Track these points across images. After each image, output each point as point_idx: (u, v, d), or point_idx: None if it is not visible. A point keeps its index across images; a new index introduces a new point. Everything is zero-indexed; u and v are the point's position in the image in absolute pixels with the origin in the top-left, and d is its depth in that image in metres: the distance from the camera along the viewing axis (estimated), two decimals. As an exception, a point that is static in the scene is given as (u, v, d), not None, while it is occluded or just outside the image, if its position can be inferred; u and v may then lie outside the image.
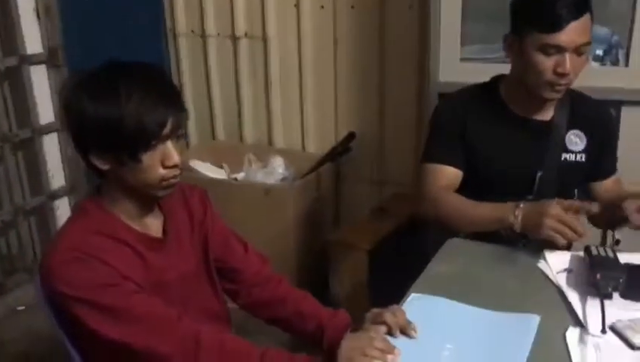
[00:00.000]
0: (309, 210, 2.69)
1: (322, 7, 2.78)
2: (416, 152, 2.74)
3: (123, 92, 1.14)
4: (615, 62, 2.03)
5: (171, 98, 1.19)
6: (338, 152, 2.79)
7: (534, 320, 1.20)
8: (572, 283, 1.34)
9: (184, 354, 1.15)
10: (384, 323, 1.18)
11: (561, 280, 1.36)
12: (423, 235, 2.61)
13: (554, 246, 1.41)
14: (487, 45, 2.23)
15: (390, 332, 1.17)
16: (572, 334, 1.16)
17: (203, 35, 3.08)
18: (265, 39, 2.92)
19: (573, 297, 1.28)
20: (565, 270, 1.39)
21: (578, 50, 1.46)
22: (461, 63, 2.16)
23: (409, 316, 1.21)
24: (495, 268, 1.45)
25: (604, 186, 1.70)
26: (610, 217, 1.51)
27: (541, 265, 1.43)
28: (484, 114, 1.66)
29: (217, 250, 1.41)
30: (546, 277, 1.39)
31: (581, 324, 1.19)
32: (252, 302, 1.42)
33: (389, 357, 1.10)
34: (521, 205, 1.44)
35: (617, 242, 2.11)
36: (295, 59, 2.90)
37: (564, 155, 1.63)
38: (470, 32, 2.17)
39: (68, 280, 1.15)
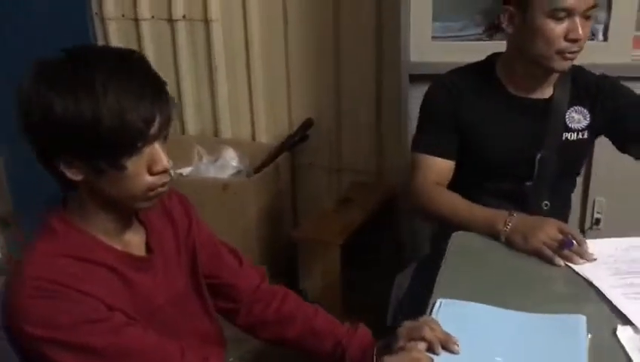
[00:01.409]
0: (270, 203, 2.51)
1: (270, -15, 2.58)
2: (377, 136, 2.63)
3: (99, 83, 0.92)
4: (590, 38, 1.96)
5: (158, 89, 0.98)
6: (295, 141, 2.61)
7: (581, 320, 1.09)
8: (600, 274, 1.24)
9: None
10: (423, 339, 1.03)
11: (588, 272, 1.26)
12: (397, 226, 2.52)
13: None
14: (459, 22, 2.12)
15: (431, 349, 1.03)
16: (624, 333, 1.06)
17: (135, 19, 2.79)
18: (207, 21, 2.68)
19: (609, 291, 1.18)
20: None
21: (586, 13, 1.38)
22: (433, 42, 2.03)
23: (443, 326, 1.07)
24: (513, 263, 1.33)
25: None
26: None
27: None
28: (479, 95, 1.55)
29: (207, 264, 1.22)
30: (569, 268, 1.29)
31: (629, 322, 1.09)
32: (254, 321, 1.24)
33: (439, 379, 0.96)
34: (515, 215, 1.38)
35: (597, 221, 2.09)
36: (241, 42, 2.68)
37: (566, 135, 1.54)
38: (440, 7, 2.04)
39: (41, 319, 0.93)
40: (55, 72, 0.94)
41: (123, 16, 2.82)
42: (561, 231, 1.32)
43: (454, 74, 1.61)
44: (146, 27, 2.79)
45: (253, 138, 2.82)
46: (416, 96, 2.08)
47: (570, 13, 1.37)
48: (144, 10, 2.76)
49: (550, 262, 1.30)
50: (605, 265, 1.28)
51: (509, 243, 1.37)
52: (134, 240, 1.11)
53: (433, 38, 2.03)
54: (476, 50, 1.93)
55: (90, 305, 0.96)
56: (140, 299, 1.06)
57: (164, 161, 1.00)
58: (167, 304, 1.12)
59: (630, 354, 1.01)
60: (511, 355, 1.02)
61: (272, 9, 2.61)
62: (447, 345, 1.03)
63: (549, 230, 1.32)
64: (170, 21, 2.74)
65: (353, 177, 2.72)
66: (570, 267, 1.29)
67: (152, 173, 0.99)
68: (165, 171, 1.01)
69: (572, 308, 1.14)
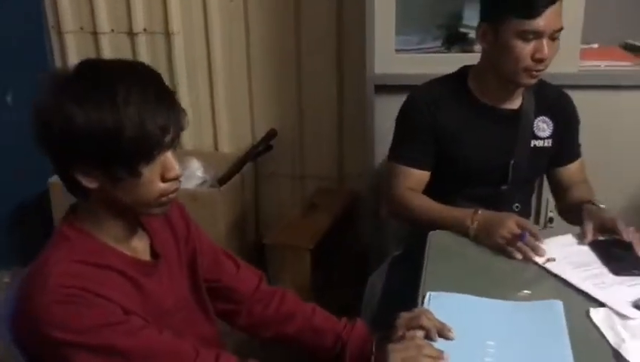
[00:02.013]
0: (237, 213, 2.55)
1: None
2: (338, 144, 2.72)
3: (120, 95, 0.97)
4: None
5: (171, 99, 1.04)
6: (259, 151, 2.67)
7: (558, 305, 1.21)
8: (566, 269, 1.35)
9: None
10: (421, 327, 1.12)
11: (556, 269, 1.36)
12: (361, 229, 2.61)
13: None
14: (417, 36, 2.23)
15: (428, 336, 1.11)
16: (597, 315, 1.18)
17: (94, 32, 2.79)
18: (168, 34, 2.71)
19: (581, 284, 1.29)
20: (548, 260, 1.40)
21: (553, 36, 1.50)
22: (396, 54, 2.14)
23: (435, 316, 1.16)
24: (489, 258, 1.44)
25: (570, 171, 1.74)
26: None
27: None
28: (455, 106, 1.65)
29: (207, 269, 1.27)
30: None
31: (601, 304, 1.22)
32: (255, 321, 1.29)
33: (441, 362, 1.05)
34: (480, 212, 1.50)
35: (551, 220, 2.24)
36: (203, 54, 2.73)
37: (534, 142, 1.67)
38: (399, 22, 2.15)
39: (64, 323, 0.96)
40: (75, 85, 0.98)
41: (81, 29, 2.81)
42: (520, 226, 1.43)
43: (429, 86, 1.70)
44: (105, 41, 2.79)
45: (216, 148, 2.86)
46: (379, 106, 2.19)
47: (538, 35, 1.48)
48: (103, 23, 2.76)
49: (509, 255, 1.41)
50: (565, 260, 1.39)
51: (477, 240, 1.48)
52: (140, 246, 1.15)
53: (396, 50, 2.13)
54: (436, 62, 2.06)
55: (110, 308, 0.99)
56: (150, 303, 1.10)
57: (176, 168, 1.05)
58: (173, 308, 1.16)
59: (605, 333, 1.13)
60: (501, 339, 1.12)
61: (233, 21, 2.67)
62: (442, 332, 1.12)
63: (509, 225, 1.43)
64: (131, 34, 2.75)
65: (315, 184, 2.80)
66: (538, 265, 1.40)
67: (164, 180, 1.04)
68: (177, 178, 1.06)
69: (547, 295, 1.26)
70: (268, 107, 2.76)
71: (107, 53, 2.80)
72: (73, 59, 2.83)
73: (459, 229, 1.52)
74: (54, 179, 2.46)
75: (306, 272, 2.30)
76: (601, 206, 1.52)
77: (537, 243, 1.41)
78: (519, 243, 1.41)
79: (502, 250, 1.43)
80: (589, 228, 1.44)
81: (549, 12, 1.46)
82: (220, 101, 2.78)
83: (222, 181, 2.55)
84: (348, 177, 2.76)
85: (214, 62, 2.72)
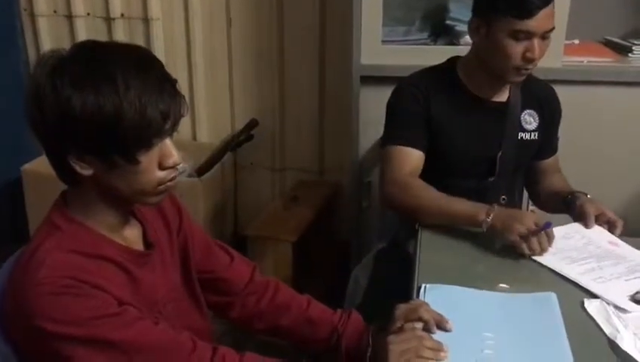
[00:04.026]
0: (216, 203, 2.52)
1: (213, -15, 2.59)
2: (320, 135, 2.71)
3: (120, 79, 0.93)
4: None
5: (172, 85, 1.00)
6: (240, 141, 2.63)
7: (552, 297, 1.22)
8: (561, 265, 1.35)
9: None
10: (420, 319, 1.11)
11: (551, 264, 1.36)
12: (341, 222, 2.60)
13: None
14: (403, 27, 2.23)
15: (427, 328, 1.11)
16: (591, 306, 1.19)
17: (69, 16, 2.71)
18: (147, 20, 2.65)
19: (580, 279, 1.29)
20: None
21: (544, 36, 1.50)
22: (383, 45, 2.13)
23: (432, 308, 1.15)
24: (480, 252, 1.43)
25: (546, 164, 1.75)
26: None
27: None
28: (445, 96, 1.64)
29: (200, 260, 1.24)
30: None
31: (593, 295, 1.23)
32: (248, 313, 1.26)
33: (442, 354, 1.04)
34: (496, 207, 1.44)
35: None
36: (183, 41, 2.69)
37: (521, 134, 1.67)
38: (390, 13, 2.14)
39: (58, 315, 0.92)
40: (73, 67, 0.93)
41: (55, 12, 2.74)
42: (537, 225, 1.39)
43: (420, 75, 1.69)
44: (80, 25, 2.72)
45: (194, 138, 2.82)
46: (364, 97, 2.18)
47: (529, 35, 1.47)
48: (79, 6, 2.69)
49: (520, 251, 1.38)
50: (555, 256, 1.38)
51: (490, 233, 1.42)
52: (133, 236, 1.11)
53: (383, 41, 2.12)
54: (422, 54, 2.06)
55: (104, 299, 0.96)
56: (143, 294, 1.06)
57: (175, 156, 1.02)
58: (164, 299, 1.13)
59: (600, 324, 1.14)
60: (498, 331, 1.12)
61: (214, 8, 2.62)
62: (440, 324, 1.11)
63: (527, 222, 1.38)
64: (108, 19, 2.69)
65: (295, 176, 2.78)
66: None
67: (162, 168, 1.01)
68: (175, 166, 1.03)
69: (539, 288, 1.26)
70: (248, 97, 2.73)
71: (82, 39, 2.68)
72: (46, 44, 2.76)
73: (469, 221, 1.45)
74: (28, 166, 2.38)
75: (288, 264, 2.28)
76: (588, 196, 1.55)
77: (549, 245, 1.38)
78: (533, 240, 1.37)
79: (514, 245, 1.38)
80: (591, 217, 1.49)
81: (543, 13, 1.45)
82: (199, 90, 2.74)
83: (201, 171, 2.51)
84: (328, 170, 2.75)
85: (194, 50, 2.68)
